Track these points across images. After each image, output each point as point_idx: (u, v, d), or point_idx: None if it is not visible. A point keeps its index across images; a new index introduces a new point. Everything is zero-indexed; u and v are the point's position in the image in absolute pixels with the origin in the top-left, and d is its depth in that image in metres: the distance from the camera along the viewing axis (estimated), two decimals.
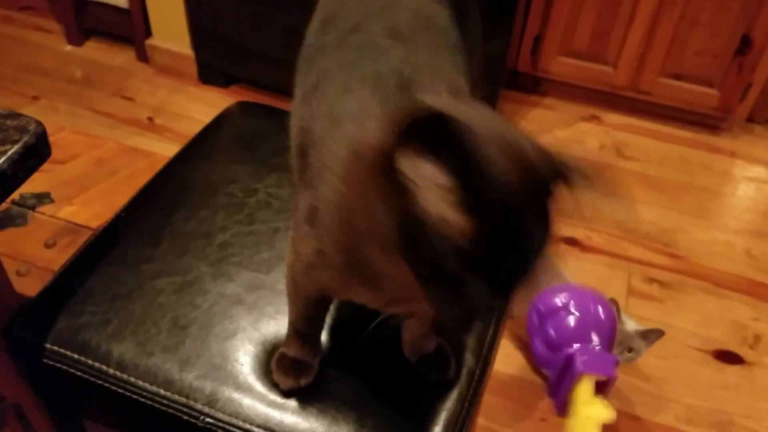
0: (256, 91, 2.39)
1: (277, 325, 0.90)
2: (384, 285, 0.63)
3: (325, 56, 0.77)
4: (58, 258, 1.06)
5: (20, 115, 0.83)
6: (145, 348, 0.86)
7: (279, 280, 0.94)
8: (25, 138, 0.80)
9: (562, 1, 2.16)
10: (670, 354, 1.70)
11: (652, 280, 1.90)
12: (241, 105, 1.23)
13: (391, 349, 0.87)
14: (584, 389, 0.53)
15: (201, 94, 2.40)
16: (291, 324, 0.85)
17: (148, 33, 2.41)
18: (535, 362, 0.59)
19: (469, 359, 0.87)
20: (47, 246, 1.08)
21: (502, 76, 2.23)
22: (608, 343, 0.57)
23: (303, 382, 0.85)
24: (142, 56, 2.47)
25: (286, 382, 0.84)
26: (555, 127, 2.36)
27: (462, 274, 0.50)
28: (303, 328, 0.85)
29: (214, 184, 1.06)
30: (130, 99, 2.37)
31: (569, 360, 0.55)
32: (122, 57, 2.50)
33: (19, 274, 1.05)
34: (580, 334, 0.56)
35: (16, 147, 0.79)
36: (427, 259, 0.50)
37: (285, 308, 0.88)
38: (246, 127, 1.17)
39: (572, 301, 0.58)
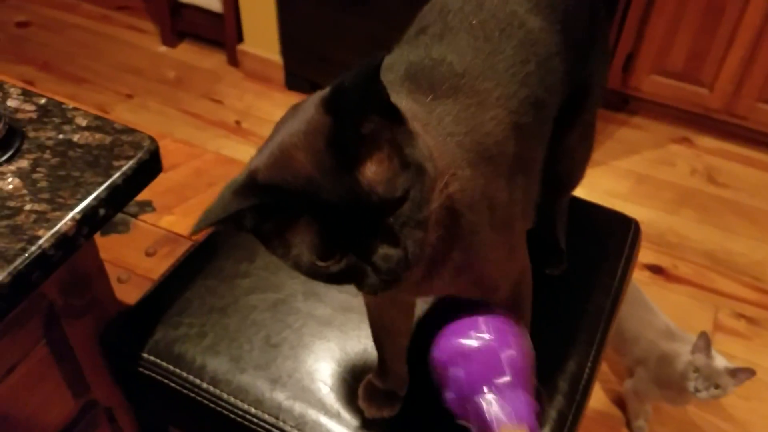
0: None
1: (365, 350, 0.90)
2: None
3: (391, 53, 0.78)
4: (158, 267, 1.10)
5: (135, 131, 0.86)
6: (238, 364, 0.88)
7: None
8: (140, 154, 0.83)
9: (658, 18, 2.10)
10: (754, 394, 1.63)
11: (739, 316, 1.83)
12: None
13: None
14: None
15: (286, 100, 2.44)
16: (378, 354, 0.85)
17: (240, 38, 2.47)
18: (452, 414, 0.56)
19: (560, 401, 0.85)
20: (147, 254, 1.12)
21: None
22: (522, 375, 0.54)
23: (386, 413, 0.84)
24: (233, 60, 2.53)
25: (370, 411, 0.84)
26: (644, 148, 2.29)
27: (344, 263, 0.57)
28: (384, 356, 0.85)
29: None
30: (218, 102, 2.43)
31: (480, 415, 0.53)
32: (213, 60, 2.57)
33: (119, 281, 1.09)
34: (486, 378, 0.53)
35: (130, 163, 0.82)
36: (316, 272, 0.58)
37: None
38: None
39: (469, 341, 0.55)
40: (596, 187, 2.15)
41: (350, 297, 0.95)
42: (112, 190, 0.79)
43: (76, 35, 2.67)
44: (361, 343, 0.91)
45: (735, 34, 2.03)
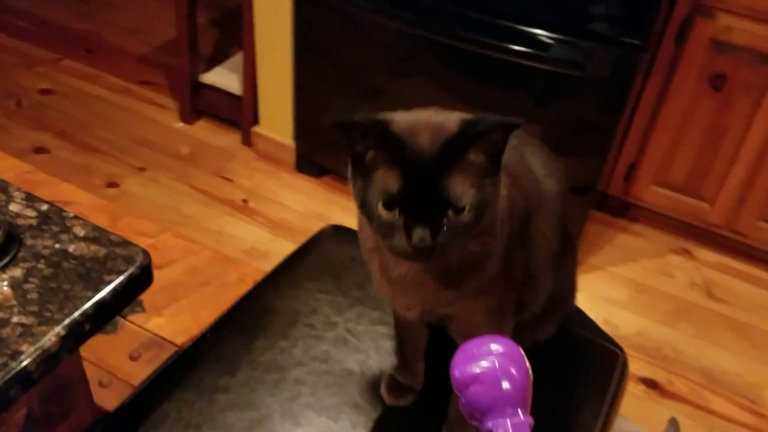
0: (344, 183, 2.45)
1: None
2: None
3: None
4: (140, 372, 1.11)
5: (130, 244, 0.89)
6: None
7: (347, 430, 0.94)
8: (131, 269, 0.85)
9: (661, 133, 2.14)
10: None
11: None
12: (334, 229, 1.26)
13: None
14: None
15: (294, 182, 2.49)
16: (398, 352, 1.02)
17: (255, 120, 2.54)
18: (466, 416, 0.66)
19: None
20: (132, 358, 1.13)
21: (592, 196, 2.21)
22: (524, 396, 0.64)
23: (402, 402, 1.00)
24: (246, 141, 2.59)
25: (389, 399, 1.00)
26: (642, 256, 2.30)
27: (395, 218, 0.71)
28: (405, 354, 1.01)
29: (295, 313, 1.09)
30: (228, 180, 2.48)
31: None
32: (227, 139, 2.64)
33: (101, 384, 1.10)
34: (495, 403, 0.62)
35: (121, 278, 0.84)
36: (372, 209, 0.72)
37: None
38: (335, 254, 1.21)
39: (481, 368, 0.64)
40: (595, 293, 2.16)
41: (329, 422, 0.95)
42: (100, 306, 0.81)
43: (96, 106, 2.76)
44: None
45: (737, 154, 2.07)
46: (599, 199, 2.39)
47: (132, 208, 2.29)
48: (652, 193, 2.26)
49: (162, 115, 2.73)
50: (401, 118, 0.74)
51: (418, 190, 0.70)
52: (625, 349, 1.14)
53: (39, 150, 2.50)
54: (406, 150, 0.70)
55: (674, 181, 2.20)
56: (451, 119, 0.73)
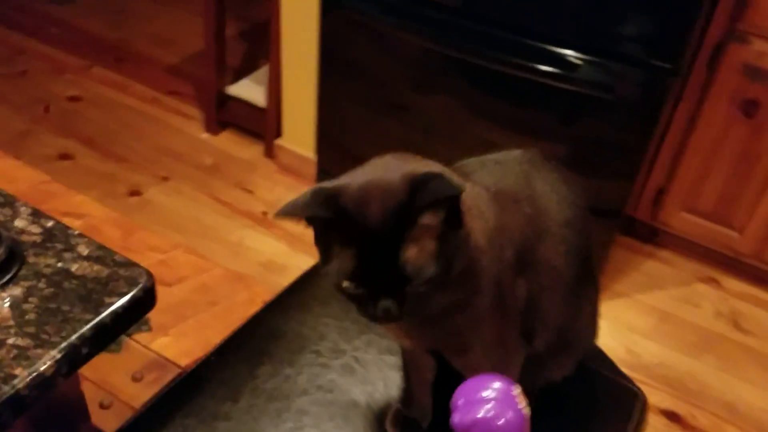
0: None
1: None
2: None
3: None
4: (142, 394, 1.09)
5: (134, 265, 0.87)
6: None
7: None
8: (134, 291, 0.83)
9: (691, 158, 2.09)
10: None
11: None
12: None
13: None
14: None
15: None
16: (405, 383, 0.99)
17: (279, 133, 2.53)
18: None
19: None
20: (134, 379, 1.11)
21: (618, 221, 2.16)
22: None
23: None
24: (269, 153, 2.59)
25: None
26: (668, 284, 2.24)
27: (357, 291, 0.70)
28: (411, 386, 0.97)
29: (303, 338, 1.07)
30: (249, 192, 2.48)
31: None
32: (251, 151, 2.63)
33: (102, 406, 1.08)
34: None
35: (122, 301, 0.82)
36: (335, 282, 0.71)
37: None
38: None
39: (481, 418, 0.67)
40: (618, 320, 2.10)
41: None
42: (99, 329, 0.79)
43: (123, 114, 2.77)
44: None
45: None
46: (626, 223, 2.34)
47: (153, 217, 2.30)
48: (680, 220, 2.20)
49: (187, 126, 2.74)
50: (352, 185, 0.70)
51: (376, 267, 0.68)
52: (647, 380, 1.10)
53: (64, 156, 2.52)
54: (358, 225, 0.67)
55: (703, 208, 2.14)
56: (398, 179, 0.69)
